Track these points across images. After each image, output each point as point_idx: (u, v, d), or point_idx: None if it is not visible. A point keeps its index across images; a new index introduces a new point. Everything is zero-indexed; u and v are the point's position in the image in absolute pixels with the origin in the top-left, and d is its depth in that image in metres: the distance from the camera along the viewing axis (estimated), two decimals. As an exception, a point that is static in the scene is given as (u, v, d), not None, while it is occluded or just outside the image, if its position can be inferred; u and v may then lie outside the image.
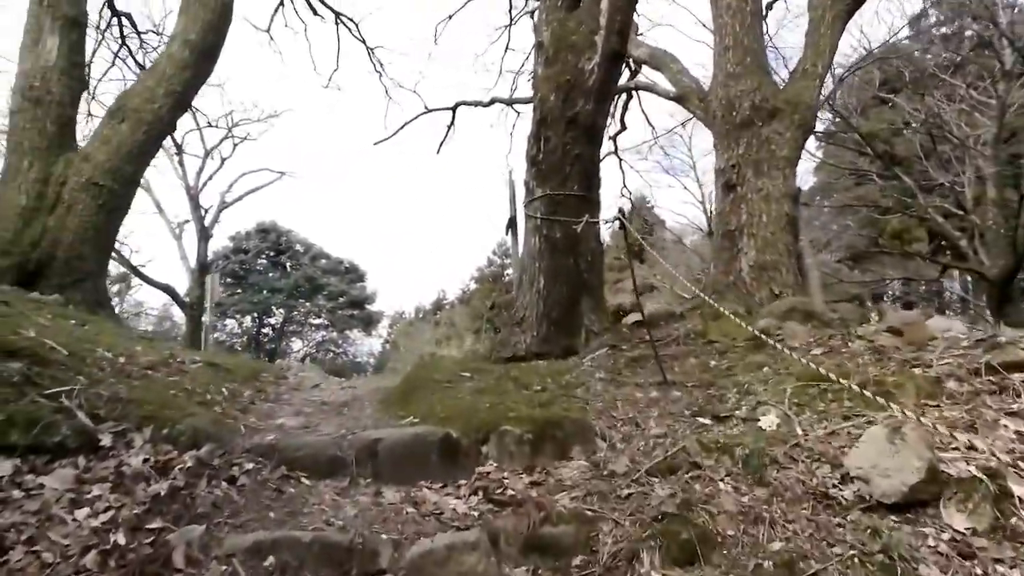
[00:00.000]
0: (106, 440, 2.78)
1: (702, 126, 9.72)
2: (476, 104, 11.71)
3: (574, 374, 4.82)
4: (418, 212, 76.00)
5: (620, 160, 14.67)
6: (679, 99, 9.20)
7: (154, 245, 65.98)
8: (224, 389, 4.57)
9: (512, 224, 7.41)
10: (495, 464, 3.28)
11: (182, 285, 26.72)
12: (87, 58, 14.75)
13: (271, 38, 17.40)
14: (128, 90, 7.86)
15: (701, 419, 3.58)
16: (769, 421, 3.33)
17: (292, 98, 52.86)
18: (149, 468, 2.67)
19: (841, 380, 2.83)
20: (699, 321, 5.86)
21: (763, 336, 3.77)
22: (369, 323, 34.24)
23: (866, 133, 16.53)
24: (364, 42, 15.07)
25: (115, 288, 31.63)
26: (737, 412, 3.60)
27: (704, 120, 8.47)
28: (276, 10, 14.93)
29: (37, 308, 5.94)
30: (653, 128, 24.06)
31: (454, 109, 12.08)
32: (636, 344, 5.34)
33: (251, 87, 49.51)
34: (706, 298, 4.17)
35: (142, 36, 16.98)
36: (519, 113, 12.31)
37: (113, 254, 26.76)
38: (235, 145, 26.19)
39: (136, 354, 4.76)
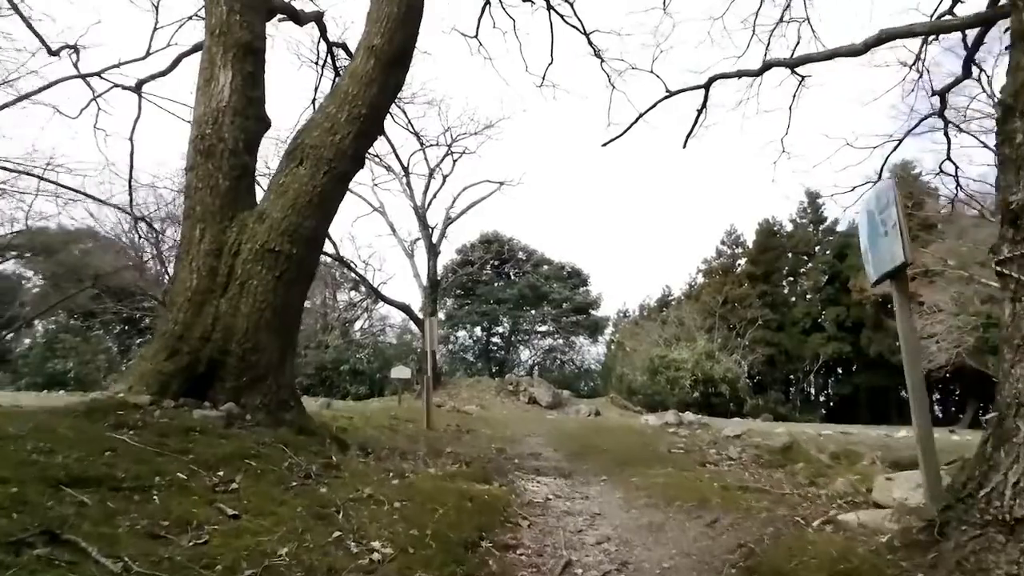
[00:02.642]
0: None
1: None
2: (740, 75, 8.28)
3: None
4: (640, 202, 72.16)
5: (947, 123, 9.97)
6: None
7: (393, 263, 71.26)
8: None
9: (898, 273, 3.99)
10: None
11: (417, 301, 27.00)
12: (312, 95, 14.25)
13: (480, 43, 15.63)
14: (307, 123, 6.04)
15: None
16: None
17: (508, 103, 52.80)
18: None
19: None
20: None
21: None
22: (595, 330, 31.97)
23: None
24: (580, 26, 12.42)
25: (364, 303, 33.57)
26: None
27: None
28: (483, 10, 12.96)
29: (183, 448, 4.17)
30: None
31: (707, 87, 8.77)
32: None
33: (467, 100, 50.27)
34: None
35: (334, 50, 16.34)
36: (802, 79, 8.57)
37: (356, 275, 28.00)
38: (454, 161, 25.61)
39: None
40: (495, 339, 31.24)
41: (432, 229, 26.03)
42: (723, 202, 69.02)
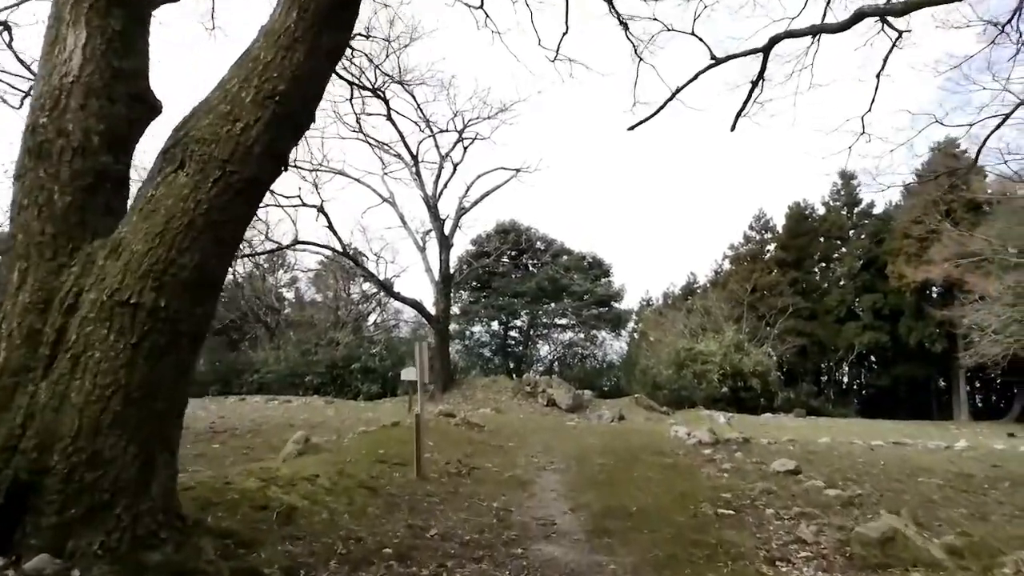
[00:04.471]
0: None
1: None
2: (816, 32, 5.98)
3: None
4: (664, 184, 69.04)
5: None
6: None
7: (407, 255, 68.61)
8: None
9: None
10: None
11: (430, 296, 25.07)
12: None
13: (486, 15, 13.40)
14: (195, 108, 3.98)
15: None
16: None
17: (523, 85, 50.09)
18: None
19: None
20: None
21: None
22: (617, 323, 29.73)
23: None
24: (600, -14, 10.13)
25: (378, 296, 31.67)
26: None
27: None
28: (486, -27, 10.76)
29: None
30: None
31: (766, 51, 6.51)
32: None
33: (477, 82, 46.96)
34: None
35: (353, 50, 14.22)
36: (899, 36, 6.18)
37: (363, 272, 26.05)
38: (465, 148, 23.43)
39: None
40: (513, 333, 29.21)
41: (444, 220, 24.00)
42: (752, 184, 65.75)
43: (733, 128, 7.31)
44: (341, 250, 22.92)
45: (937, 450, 14.35)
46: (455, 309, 27.80)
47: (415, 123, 21.85)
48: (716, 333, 30.94)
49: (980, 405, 36.96)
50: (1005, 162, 17.35)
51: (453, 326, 26.80)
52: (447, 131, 23.13)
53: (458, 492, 7.84)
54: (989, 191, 28.63)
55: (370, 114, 21.96)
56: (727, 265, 40.12)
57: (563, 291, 28.18)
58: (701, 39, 6.71)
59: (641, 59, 10.22)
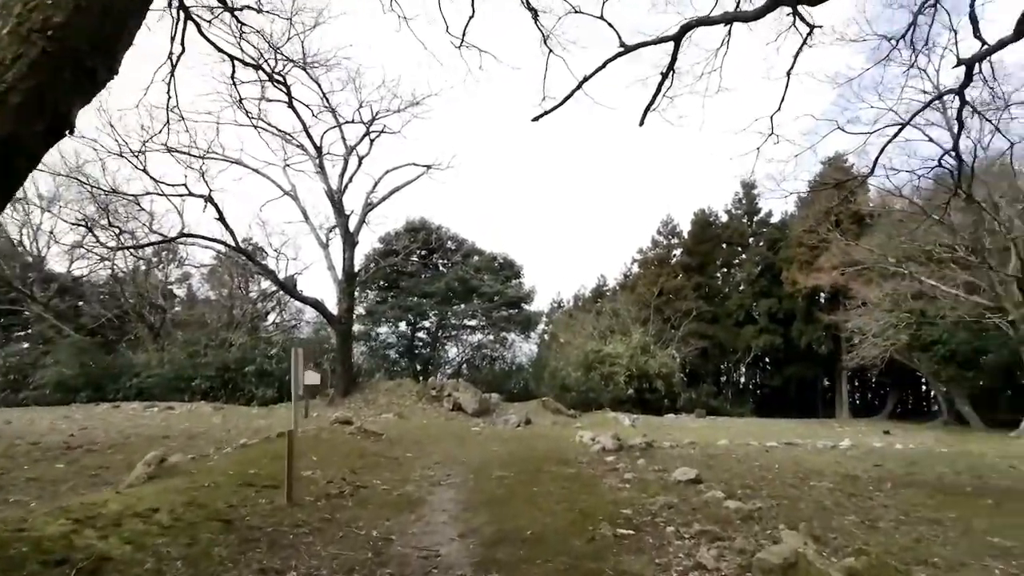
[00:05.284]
0: None
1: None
2: (730, 20, 5.57)
3: None
4: (577, 187, 69.85)
5: (963, 104, 7.57)
6: None
7: (310, 252, 64.08)
8: None
9: None
10: None
11: (333, 296, 23.56)
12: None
13: (391, -3, 12.36)
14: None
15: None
16: None
17: (435, 79, 48.87)
18: None
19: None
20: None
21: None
22: (527, 325, 29.35)
23: None
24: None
25: (278, 295, 29.60)
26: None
27: None
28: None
29: None
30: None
31: (678, 39, 6.06)
32: None
33: (385, 71, 44.98)
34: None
35: (235, 14, 12.77)
36: (810, 32, 5.89)
37: (259, 268, 24.15)
38: (372, 141, 22.16)
39: None
40: (421, 335, 28.12)
41: (349, 216, 22.60)
42: (661, 189, 67.98)
43: (642, 123, 6.87)
44: (234, 245, 21.02)
45: (825, 450, 14.82)
46: (360, 309, 26.42)
47: (312, 111, 20.32)
48: (624, 335, 31.34)
49: (858, 403, 39.80)
50: (888, 177, 18.40)
51: (358, 327, 25.43)
52: (353, 122, 21.82)
53: (334, 519, 6.89)
54: (871, 204, 30.74)
55: (270, 100, 20.24)
56: (636, 269, 41.03)
57: (473, 292, 27.46)
58: (611, 24, 6.18)
59: (551, 51, 9.63)
